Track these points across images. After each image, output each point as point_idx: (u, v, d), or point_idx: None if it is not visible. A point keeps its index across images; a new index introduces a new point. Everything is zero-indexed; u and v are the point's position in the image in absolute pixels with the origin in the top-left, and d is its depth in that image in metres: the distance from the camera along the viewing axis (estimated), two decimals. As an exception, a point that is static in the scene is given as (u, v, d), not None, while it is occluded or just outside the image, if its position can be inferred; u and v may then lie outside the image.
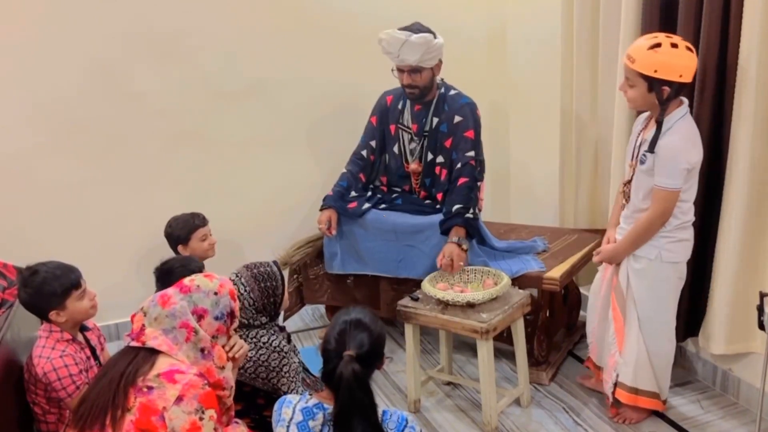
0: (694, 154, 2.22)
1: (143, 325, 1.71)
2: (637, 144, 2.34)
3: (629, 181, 2.38)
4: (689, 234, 2.34)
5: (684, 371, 2.83)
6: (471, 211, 2.83)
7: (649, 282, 2.35)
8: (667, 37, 2.18)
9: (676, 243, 2.31)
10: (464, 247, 2.76)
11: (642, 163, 2.28)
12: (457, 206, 2.83)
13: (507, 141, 3.93)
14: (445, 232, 2.82)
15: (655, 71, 2.14)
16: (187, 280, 1.79)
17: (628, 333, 2.43)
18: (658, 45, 2.14)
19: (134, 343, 1.70)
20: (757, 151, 2.25)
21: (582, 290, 3.32)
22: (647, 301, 2.37)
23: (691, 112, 2.40)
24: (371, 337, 1.70)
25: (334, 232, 3.04)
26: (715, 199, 2.43)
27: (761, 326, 2.01)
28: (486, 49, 3.80)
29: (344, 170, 3.18)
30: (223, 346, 1.83)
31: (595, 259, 2.54)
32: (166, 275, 2.49)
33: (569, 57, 3.20)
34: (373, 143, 3.17)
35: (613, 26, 2.78)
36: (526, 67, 3.69)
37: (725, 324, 2.44)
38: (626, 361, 2.44)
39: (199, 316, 1.74)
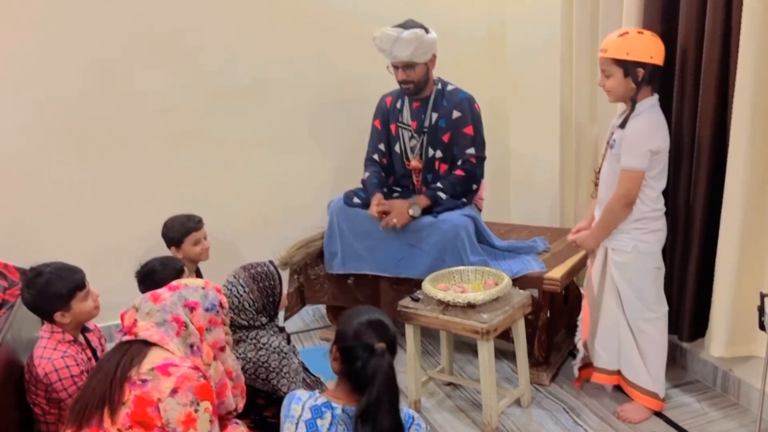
0: (659, 138, 2.33)
1: (136, 320, 1.74)
2: (612, 134, 2.43)
3: (599, 171, 2.50)
4: (661, 224, 2.42)
5: (684, 371, 2.83)
6: (446, 195, 2.90)
7: (629, 274, 2.42)
8: (634, 28, 2.39)
9: (650, 233, 2.39)
10: (412, 212, 2.84)
11: (612, 147, 2.39)
12: (437, 185, 2.91)
13: (507, 141, 3.93)
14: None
15: (627, 53, 2.28)
16: (174, 282, 1.86)
17: (603, 324, 2.53)
18: (626, 33, 2.32)
19: (127, 337, 1.72)
20: (757, 151, 2.24)
21: (582, 290, 3.32)
22: (629, 293, 2.43)
23: (694, 111, 2.44)
24: (392, 333, 1.75)
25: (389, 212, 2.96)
26: (715, 200, 2.43)
27: (762, 326, 2.02)
28: (486, 48, 3.80)
29: (366, 175, 3.17)
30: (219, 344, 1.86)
31: (569, 238, 2.64)
32: (148, 275, 2.53)
33: (569, 57, 3.20)
34: (381, 146, 3.18)
35: (612, 26, 2.77)
36: (526, 67, 3.69)
37: (725, 327, 2.43)
38: (605, 348, 2.54)
39: (191, 309, 1.78)
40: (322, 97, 3.55)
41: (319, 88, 3.53)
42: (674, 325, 2.60)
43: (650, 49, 2.28)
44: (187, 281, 1.85)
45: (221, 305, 1.86)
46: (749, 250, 2.34)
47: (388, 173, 3.21)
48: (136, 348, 1.69)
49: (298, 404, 1.71)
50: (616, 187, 2.36)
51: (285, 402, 1.76)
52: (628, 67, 2.29)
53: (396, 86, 3.07)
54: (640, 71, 2.28)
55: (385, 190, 3.13)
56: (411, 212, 2.83)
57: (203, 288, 1.84)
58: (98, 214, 3.24)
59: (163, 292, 1.80)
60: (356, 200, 3.09)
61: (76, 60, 3.08)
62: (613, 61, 2.30)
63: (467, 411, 2.67)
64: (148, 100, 3.23)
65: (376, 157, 3.19)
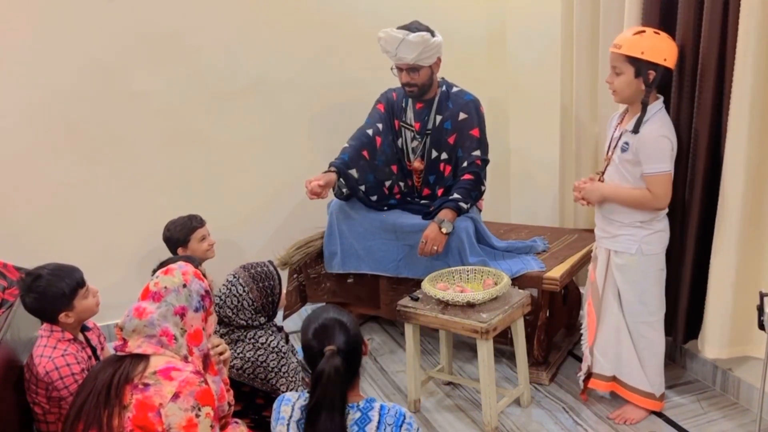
0: (674, 140, 2.31)
1: (125, 340, 1.71)
2: (615, 136, 2.41)
3: (603, 173, 2.46)
4: (665, 225, 2.40)
5: (684, 371, 2.83)
6: (466, 203, 2.85)
7: (631, 276, 2.40)
8: (651, 28, 2.33)
9: (654, 235, 2.37)
10: (444, 230, 2.77)
11: (624, 151, 2.34)
12: (454, 195, 2.86)
13: (507, 140, 3.92)
14: (435, 214, 2.84)
15: (642, 53, 2.23)
16: (152, 286, 1.76)
17: (604, 328, 2.50)
18: (643, 31, 2.28)
19: (120, 353, 1.71)
20: (754, 150, 2.24)
21: (582, 290, 3.32)
22: (631, 296, 2.42)
23: (691, 111, 2.43)
24: (348, 333, 1.69)
25: (324, 195, 2.88)
26: (712, 199, 2.43)
27: (761, 326, 2.01)
28: (486, 48, 3.80)
29: (346, 144, 3.07)
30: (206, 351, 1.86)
31: (575, 183, 2.50)
32: None
33: (569, 56, 3.20)
34: (379, 125, 3.09)
35: (613, 25, 2.78)
36: (527, 67, 3.69)
37: (721, 328, 2.42)
38: (603, 354, 2.52)
39: (181, 315, 1.75)
40: (322, 97, 3.55)
41: (320, 88, 3.53)
42: (669, 327, 2.59)
43: (665, 52, 2.23)
44: (166, 282, 1.77)
45: (207, 293, 1.82)
46: (746, 249, 2.33)
47: (374, 153, 3.08)
48: (129, 362, 1.66)
49: (287, 405, 1.69)
50: (651, 190, 2.28)
51: (275, 405, 1.73)
52: (640, 66, 2.23)
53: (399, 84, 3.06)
54: (652, 73, 2.24)
55: (351, 172, 3.00)
56: (444, 231, 2.76)
57: (185, 286, 1.77)
58: (98, 213, 3.24)
59: (147, 304, 1.73)
60: (345, 191, 3.07)
61: (75, 60, 3.07)
62: (626, 57, 2.24)
63: (467, 410, 2.67)
64: (147, 100, 3.23)
65: (369, 132, 3.06)
